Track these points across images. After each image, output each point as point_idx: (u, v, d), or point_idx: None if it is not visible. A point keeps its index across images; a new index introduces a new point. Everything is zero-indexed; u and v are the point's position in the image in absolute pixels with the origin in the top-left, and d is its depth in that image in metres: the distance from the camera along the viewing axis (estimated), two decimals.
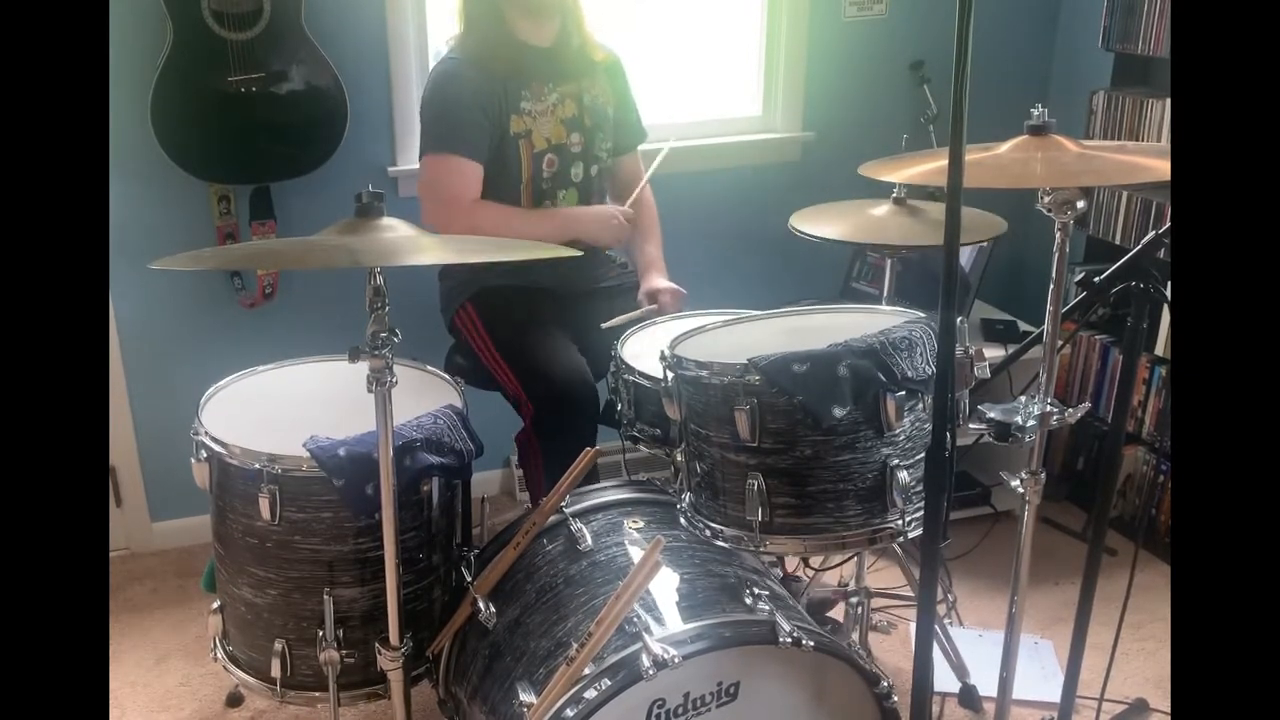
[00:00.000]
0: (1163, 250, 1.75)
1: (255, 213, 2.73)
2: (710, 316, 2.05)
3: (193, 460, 1.85)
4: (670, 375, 1.75)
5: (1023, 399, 1.69)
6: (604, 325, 2.31)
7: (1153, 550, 2.88)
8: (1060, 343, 1.72)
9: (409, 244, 1.60)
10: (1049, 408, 1.66)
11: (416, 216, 2.21)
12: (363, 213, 1.60)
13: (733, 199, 3.19)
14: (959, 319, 1.52)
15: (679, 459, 1.82)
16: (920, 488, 1.63)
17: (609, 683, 1.52)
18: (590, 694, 1.52)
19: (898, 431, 1.65)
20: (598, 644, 1.55)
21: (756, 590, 1.68)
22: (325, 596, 1.80)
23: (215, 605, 1.97)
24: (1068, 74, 3.36)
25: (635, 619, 1.59)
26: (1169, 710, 2.26)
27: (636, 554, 1.78)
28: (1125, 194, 2.95)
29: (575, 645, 1.57)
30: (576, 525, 1.84)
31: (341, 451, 1.73)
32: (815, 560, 2.49)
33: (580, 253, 1.91)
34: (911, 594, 2.54)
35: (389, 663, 1.72)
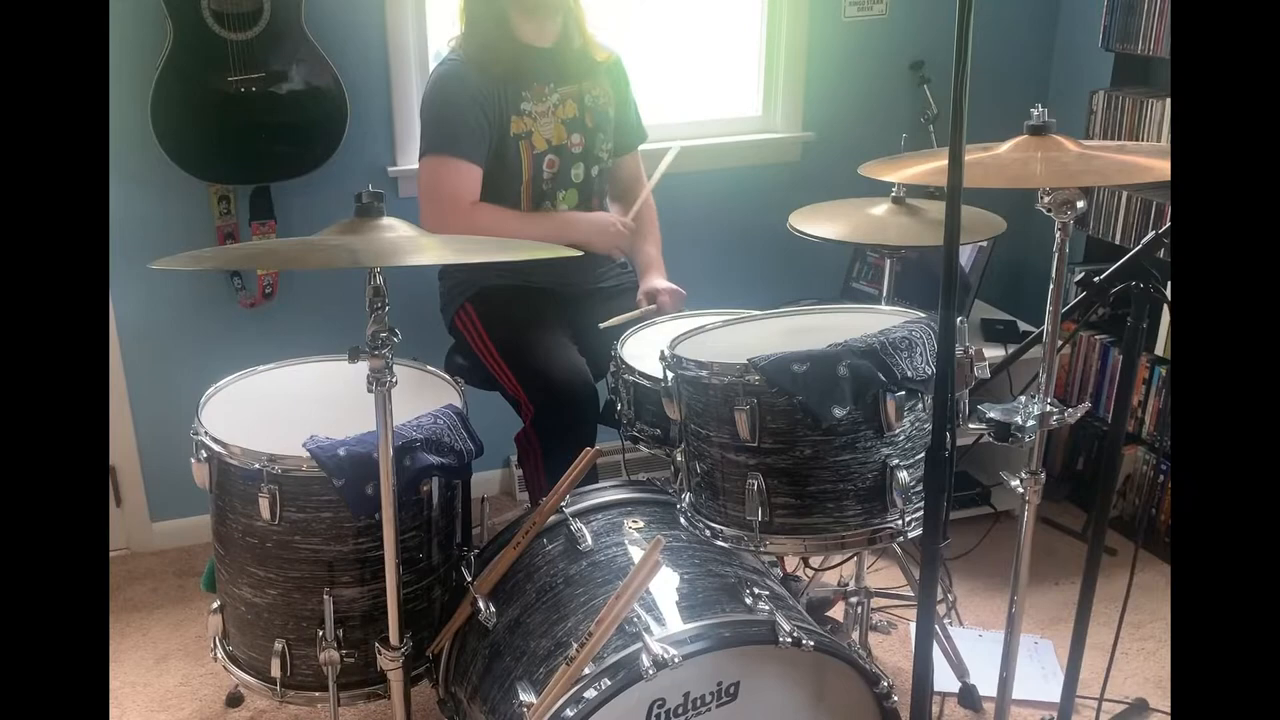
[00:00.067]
0: (1163, 250, 1.75)
1: (255, 213, 2.73)
2: (710, 316, 2.05)
3: (193, 460, 1.85)
4: (670, 375, 1.75)
5: (1023, 399, 1.69)
6: (602, 325, 2.31)
7: (1153, 550, 2.88)
8: (1060, 343, 1.72)
9: (409, 244, 1.60)
10: (1049, 408, 1.66)
11: (416, 216, 2.21)
12: (363, 213, 1.61)
13: (733, 199, 3.19)
14: (959, 319, 1.52)
15: (679, 459, 1.82)
16: (920, 488, 1.62)
17: (609, 683, 1.52)
18: (590, 694, 1.52)
19: (897, 431, 1.65)
20: (598, 644, 1.55)
21: (756, 590, 1.68)
22: (325, 596, 1.80)
23: (215, 605, 1.97)
24: (1068, 74, 3.36)
25: (635, 619, 1.59)
26: (1169, 710, 2.26)
27: (636, 554, 1.78)
28: (1125, 194, 2.95)
29: (575, 645, 1.57)
30: (576, 525, 1.84)
31: (341, 451, 1.73)
32: (815, 560, 2.49)
33: (579, 252, 1.91)
34: (911, 594, 2.54)
35: (389, 663, 1.72)
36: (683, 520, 1.80)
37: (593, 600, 1.70)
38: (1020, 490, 1.73)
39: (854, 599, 2.26)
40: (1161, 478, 2.91)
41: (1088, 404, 1.78)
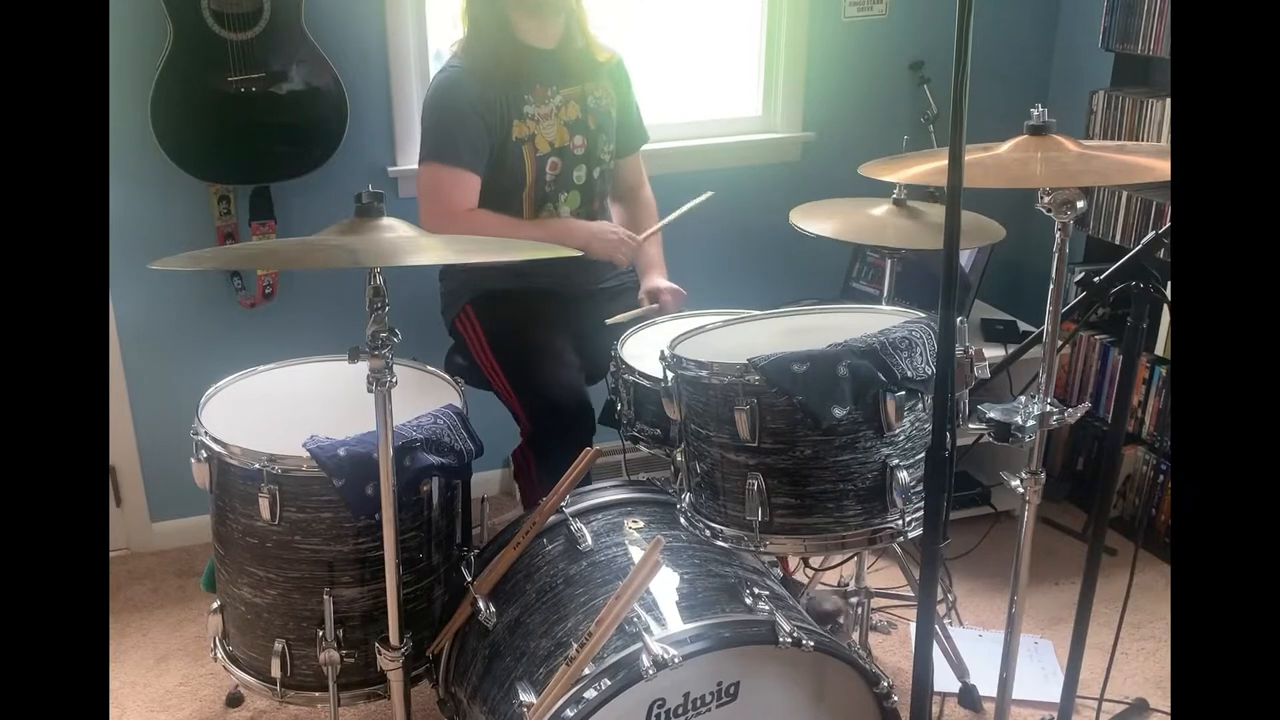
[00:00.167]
0: (1162, 250, 1.75)
1: (255, 213, 2.73)
2: (710, 316, 2.05)
3: (193, 460, 1.85)
4: (670, 375, 1.75)
5: (1023, 399, 1.69)
6: (608, 322, 2.31)
7: (1153, 550, 2.88)
8: (1060, 343, 1.72)
9: (409, 244, 1.60)
10: (1049, 408, 1.66)
11: (416, 217, 2.21)
12: (363, 213, 1.60)
13: (733, 199, 3.18)
14: (959, 319, 1.52)
15: (679, 459, 1.82)
16: (920, 488, 1.62)
17: (609, 683, 1.52)
18: (590, 694, 1.52)
19: (897, 431, 1.65)
20: (597, 644, 1.55)
21: (756, 590, 1.68)
22: (325, 596, 1.80)
23: (215, 605, 1.97)
24: (1068, 74, 3.36)
25: (635, 619, 1.59)
26: (1169, 710, 2.26)
27: (636, 554, 1.78)
28: (1125, 194, 2.95)
29: (575, 645, 1.57)
30: (576, 525, 1.84)
31: (341, 451, 1.73)
32: (815, 560, 2.49)
33: (578, 252, 1.91)
34: (911, 594, 2.54)
35: (389, 663, 1.72)
36: (683, 520, 1.80)
37: (593, 600, 1.70)
38: (1020, 490, 1.73)
39: (854, 599, 2.26)
40: (1161, 478, 2.91)
41: (1087, 404, 1.78)
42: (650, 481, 2.03)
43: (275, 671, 1.85)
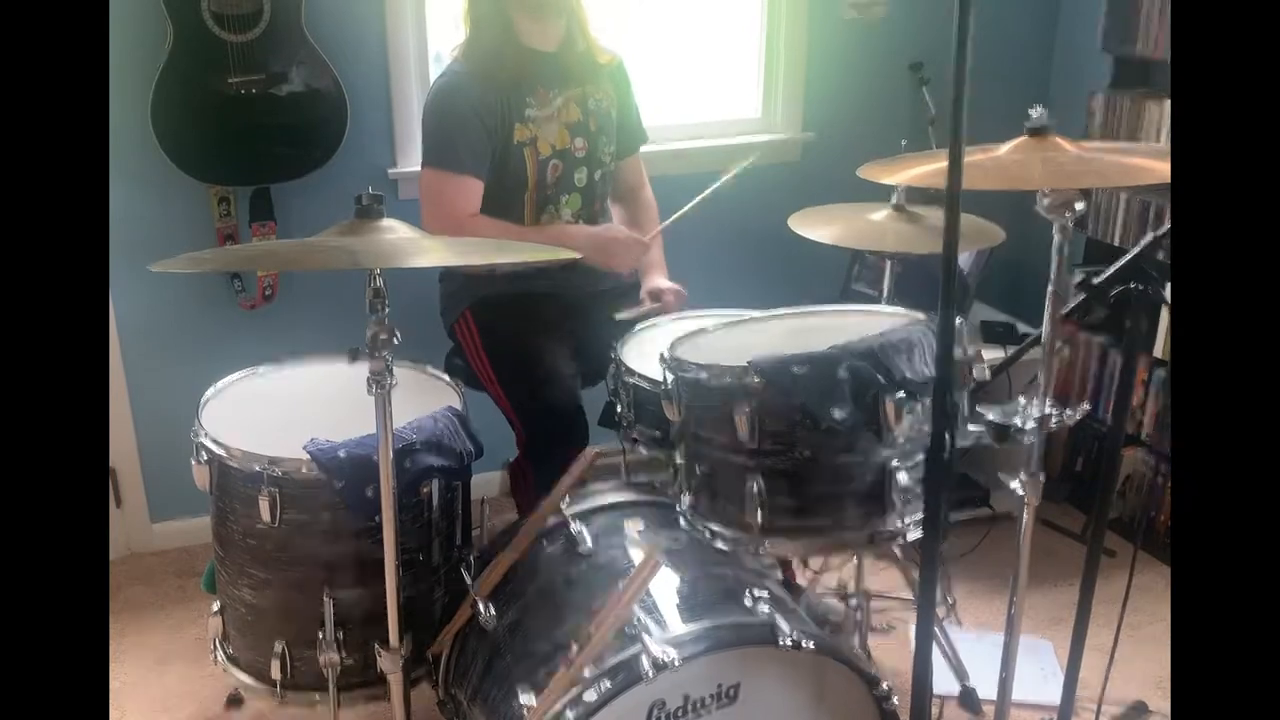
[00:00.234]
0: (1162, 252, 1.75)
1: (255, 214, 2.73)
2: (710, 318, 2.05)
3: (193, 462, 1.85)
4: (670, 377, 1.75)
5: (1022, 400, 1.69)
6: (617, 316, 2.33)
7: (1152, 551, 2.88)
8: (1059, 344, 1.72)
9: (409, 246, 1.60)
10: (1048, 409, 1.66)
11: (417, 218, 2.21)
12: (363, 214, 1.61)
13: (732, 199, 3.17)
14: (958, 320, 1.52)
15: (678, 461, 1.82)
16: (920, 489, 1.63)
17: (609, 685, 1.52)
18: (590, 696, 1.52)
19: (897, 433, 1.64)
20: (597, 646, 1.55)
21: (756, 592, 1.68)
22: (325, 598, 1.80)
23: (215, 607, 1.97)
24: (1067, 75, 3.36)
25: (635, 621, 1.59)
26: (1169, 711, 2.26)
27: (636, 556, 1.78)
28: (1124, 195, 2.95)
29: (575, 647, 1.57)
30: (576, 527, 1.84)
31: (341, 453, 1.73)
32: (814, 562, 2.49)
33: (578, 255, 1.91)
34: (911, 596, 2.54)
35: (389, 664, 1.72)
36: (682, 522, 1.80)
37: (592, 602, 1.70)
38: (1020, 492, 1.73)
39: (854, 601, 2.26)
40: (1161, 479, 2.91)
41: (1087, 405, 1.77)
42: (650, 483, 2.03)
43: (275, 673, 1.86)
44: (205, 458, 1.84)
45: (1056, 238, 1.62)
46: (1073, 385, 3.15)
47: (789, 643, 1.57)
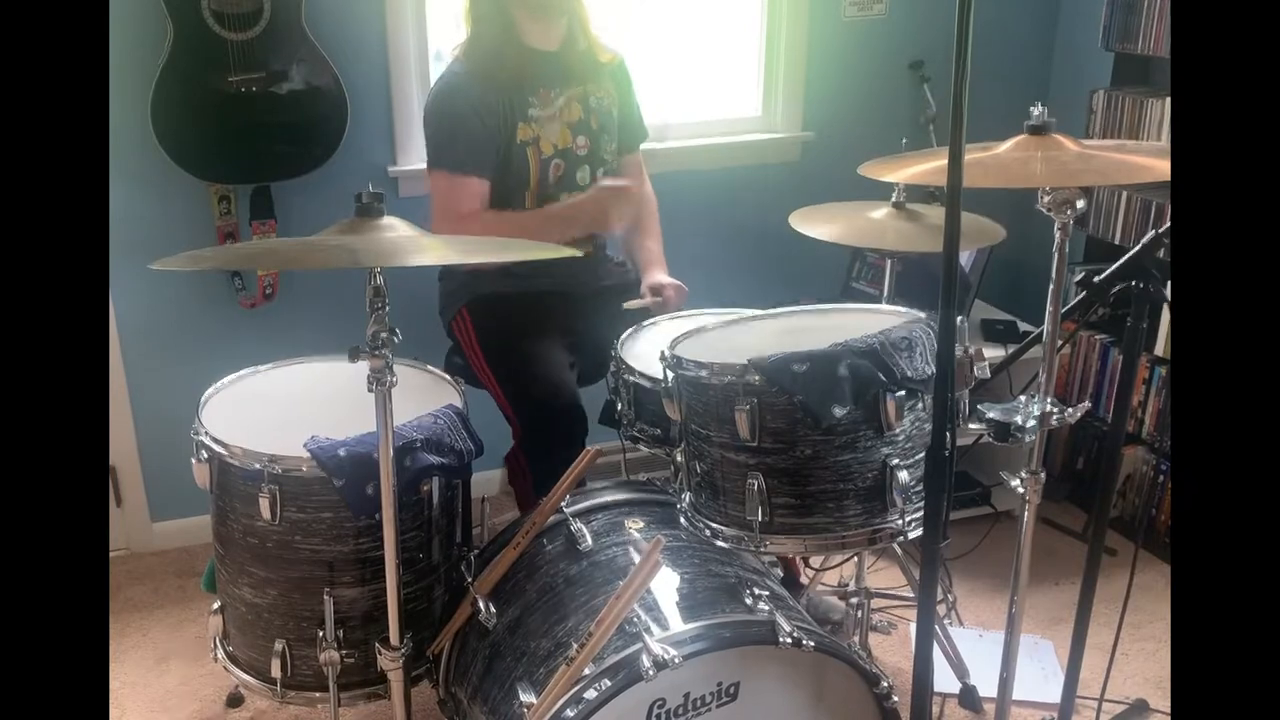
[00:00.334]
0: (1162, 250, 1.75)
1: (255, 212, 2.73)
2: (710, 316, 2.05)
3: (193, 460, 1.85)
4: (670, 375, 1.75)
5: (1023, 399, 1.69)
6: (625, 306, 2.34)
7: (1153, 550, 2.88)
8: (1060, 343, 1.72)
9: (409, 244, 1.60)
10: (1049, 407, 1.66)
11: (417, 216, 2.21)
12: (363, 212, 1.60)
13: (732, 199, 3.19)
14: (959, 319, 1.52)
15: (679, 459, 1.82)
16: (920, 487, 1.63)
17: (609, 683, 1.52)
18: (590, 694, 1.52)
19: (898, 431, 1.65)
20: (598, 644, 1.55)
21: (756, 590, 1.68)
22: (325, 596, 1.80)
23: (215, 605, 1.97)
24: (1068, 74, 3.36)
25: (635, 619, 1.59)
26: (1169, 710, 2.26)
27: (637, 554, 1.78)
28: (1125, 194, 2.95)
29: (575, 645, 1.57)
30: (576, 525, 1.84)
31: (342, 452, 1.73)
32: (815, 560, 2.49)
33: (579, 253, 1.90)
34: (911, 594, 2.54)
35: (389, 663, 1.72)
36: (683, 520, 1.80)
37: (593, 600, 1.70)
38: (1020, 490, 1.73)
39: (854, 599, 2.26)
40: (1161, 478, 2.91)
41: (1087, 404, 1.77)
42: (650, 481, 2.03)
43: (275, 671, 1.85)
44: (205, 456, 1.84)
45: (1057, 236, 1.62)
46: (1073, 383, 3.15)
47: (789, 641, 1.57)
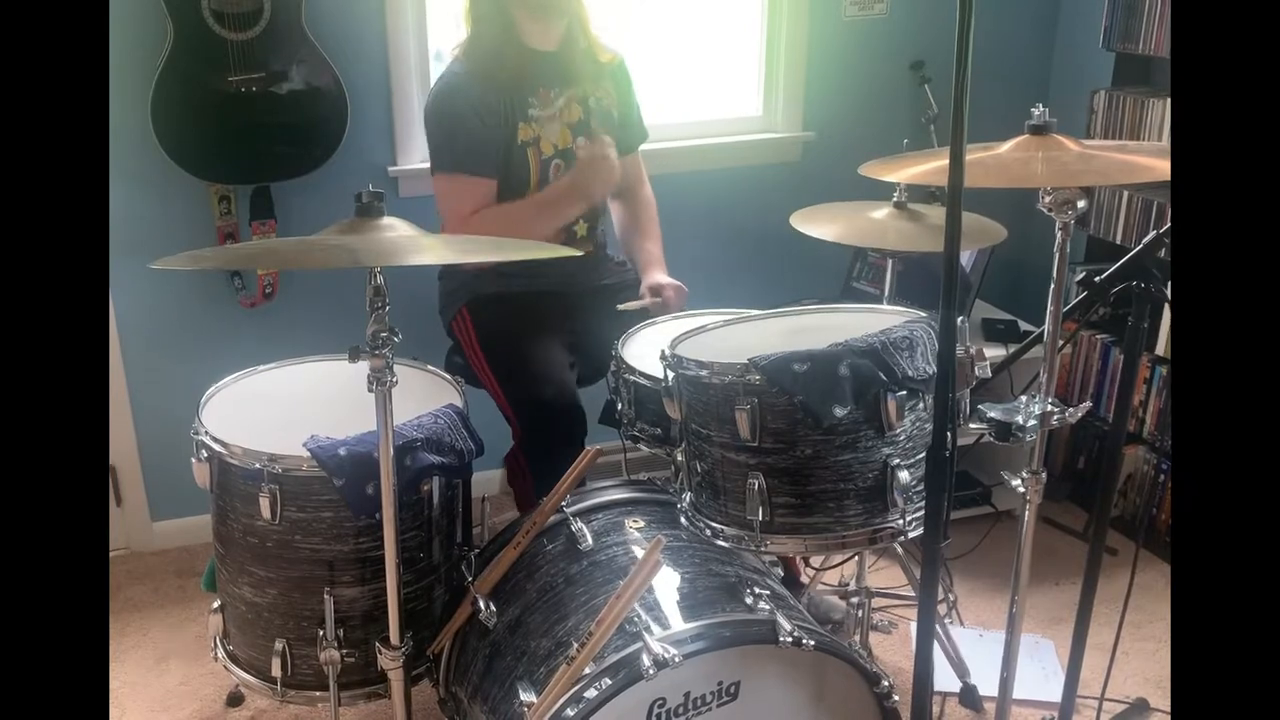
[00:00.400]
0: (1163, 250, 1.75)
1: (255, 212, 2.73)
2: (710, 316, 2.05)
3: (193, 460, 1.85)
4: (671, 375, 1.75)
5: (1023, 398, 1.69)
6: (620, 307, 2.34)
7: (1153, 550, 2.88)
8: (1061, 342, 1.72)
9: (409, 244, 1.60)
10: (1050, 407, 1.66)
11: (417, 217, 2.21)
12: (363, 212, 1.61)
13: (733, 199, 3.18)
14: (959, 318, 1.52)
15: (679, 459, 1.82)
16: (921, 487, 1.63)
17: (609, 682, 1.52)
18: (591, 693, 1.52)
19: (898, 431, 1.65)
20: (598, 643, 1.55)
21: (757, 590, 1.68)
22: (326, 596, 1.80)
23: (215, 605, 1.97)
24: (1068, 74, 3.36)
25: (636, 618, 1.59)
26: (1169, 710, 2.26)
27: (637, 553, 1.78)
28: (1126, 194, 2.95)
29: (576, 645, 1.57)
30: (577, 525, 1.84)
31: (342, 451, 1.73)
32: (816, 560, 2.49)
33: (579, 253, 1.90)
34: (912, 594, 2.54)
35: (389, 662, 1.72)
36: (683, 520, 1.80)
37: (593, 600, 1.70)
38: (1021, 490, 1.73)
39: (855, 599, 2.26)
40: (1162, 478, 2.91)
41: (1088, 403, 1.78)
42: (651, 481, 2.03)
43: (276, 671, 1.85)
44: (205, 455, 1.84)
45: (1058, 236, 1.62)
46: (1074, 383, 3.15)
47: (790, 640, 1.56)
